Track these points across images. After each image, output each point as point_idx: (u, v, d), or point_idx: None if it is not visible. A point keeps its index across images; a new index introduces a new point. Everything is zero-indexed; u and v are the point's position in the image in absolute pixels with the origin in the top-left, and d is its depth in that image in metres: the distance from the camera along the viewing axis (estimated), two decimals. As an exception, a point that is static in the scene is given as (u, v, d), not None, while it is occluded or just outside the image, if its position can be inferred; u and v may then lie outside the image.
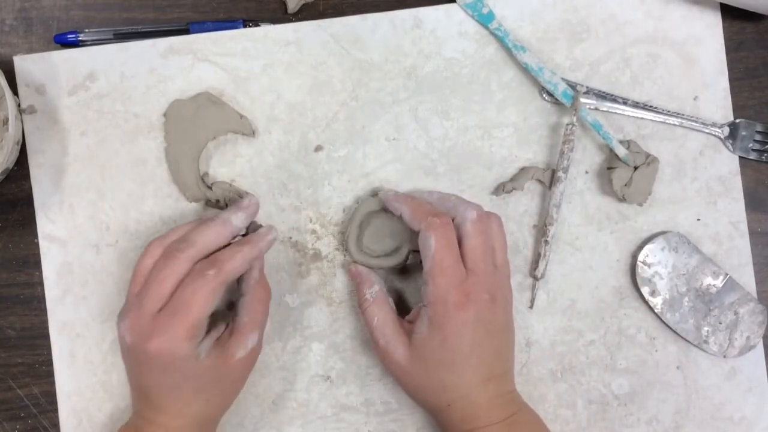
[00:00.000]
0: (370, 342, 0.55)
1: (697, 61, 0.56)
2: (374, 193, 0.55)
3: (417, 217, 0.49)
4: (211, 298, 0.45)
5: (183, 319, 0.44)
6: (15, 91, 0.55)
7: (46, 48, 0.56)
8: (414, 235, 0.51)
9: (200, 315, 0.44)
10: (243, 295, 0.49)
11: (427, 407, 0.50)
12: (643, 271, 0.55)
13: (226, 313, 0.51)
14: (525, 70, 0.55)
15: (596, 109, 0.55)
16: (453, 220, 0.49)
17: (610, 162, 0.55)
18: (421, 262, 0.50)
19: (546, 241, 0.54)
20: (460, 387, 0.47)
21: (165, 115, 0.54)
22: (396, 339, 0.49)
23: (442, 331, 0.47)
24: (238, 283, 0.50)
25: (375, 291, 0.51)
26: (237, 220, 0.49)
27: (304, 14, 0.56)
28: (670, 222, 0.56)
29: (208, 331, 0.47)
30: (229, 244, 0.48)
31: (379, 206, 0.53)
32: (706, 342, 0.55)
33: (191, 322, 0.44)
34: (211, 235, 0.47)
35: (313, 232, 0.55)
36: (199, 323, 0.45)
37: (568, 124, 0.54)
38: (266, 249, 0.49)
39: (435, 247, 0.47)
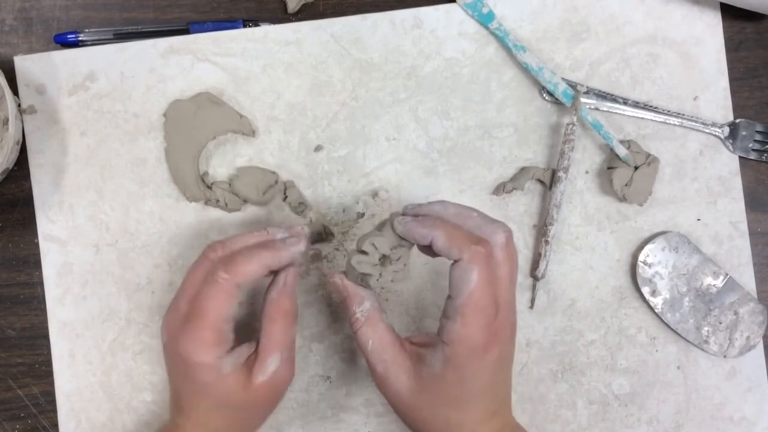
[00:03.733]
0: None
1: (697, 61, 0.56)
2: (381, 224, 0.47)
3: (456, 244, 0.42)
4: (227, 304, 0.43)
5: (201, 324, 0.43)
6: (15, 91, 0.55)
7: (46, 48, 0.56)
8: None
9: (216, 320, 0.43)
10: (262, 315, 0.46)
11: None
12: (643, 271, 0.55)
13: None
14: (525, 70, 0.55)
15: (596, 109, 0.55)
16: None
17: (611, 162, 0.55)
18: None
19: (546, 241, 0.54)
20: (466, 424, 0.44)
21: (165, 115, 0.54)
22: (397, 365, 0.44)
23: (459, 372, 0.42)
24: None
25: (366, 308, 0.45)
26: (279, 234, 0.47)
27: (304, 14, 0.56)
28: (670, 222, 0.56)
29: (239, 347, 0.45)
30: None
31: (396, 241, 0.45)
32: (706, 342, 0.55)
33: (208, 327, 0.43)
34: (246, 242, 0.46)
35: (313, 232, 0.55)
36: (216, 329, 0.43)
37: (568, 124, 0.54)
38: (287, 259, 0.45)
39: (476, 283, 0.41)
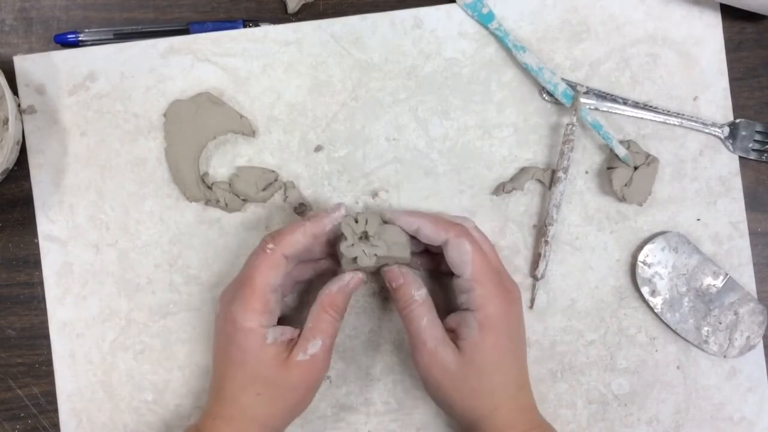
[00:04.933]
0: (383, 344, 0.55)
1: (697, 61, 0.56)
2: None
3: (441, 227, 0.48)
4: (273, 273, 0.46)
5: (250, 291, 0.46)
6: (15, 91, 0.55)
7: (46, 48, 0.56)
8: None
9: (263, 288, 0.46)
10: (315, 301, 0.49)
11: (469, 416, 0.48)
12: (643, 271, 0.55)
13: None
14: (525, 70, 0.55)
15: (596, 109, 0.55)
16: None
17: (610, 162, 0.55)
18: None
19: (546, 241, 0.54)
20: (509, 388, 0.48)
21: (165, 115, 0.54)
22: (446, 342, 0.48)
23: (493, 332, 0.47)
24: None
25: (424, 293, 0.49)
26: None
27: (304, 14, 0.56)
28: (670, 222, 0.56)
29: (284, 326, 0.48)
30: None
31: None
32: (706, 342, 0.55)
33: (256, 295, 0.46)
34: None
35: (313, 232, 0.55)
36: (263, 297, 0.46)
37: (568, 124, 0.54)
38: (329, 225, 0.48)
39: (472, 251, 0.47)
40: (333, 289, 0.49)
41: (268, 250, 0.47)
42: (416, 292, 0.49)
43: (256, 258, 0.47)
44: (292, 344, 0.48)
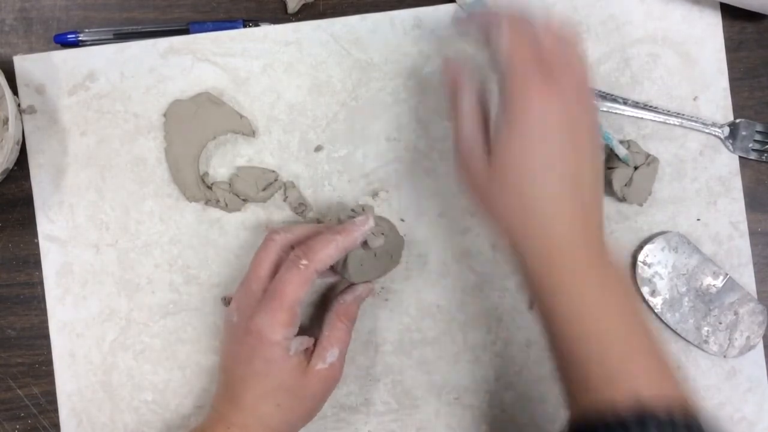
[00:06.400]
0: (382, 345, 0.55)
1: (697, 61, 0.56)
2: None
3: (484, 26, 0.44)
4: (304, 287, 0.46)
5: (279, 305, 0.46)
6: (15, 91, 0.55)
7: (46, 48, 0.56)
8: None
9: (293, 302, 0.46)
10: (330, 311, 0.50)
11: (511, 238, 0.43)
12: (643, 271, 0.55)
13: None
14: (525, 70, 0.55)
15: (596, 109, 0.55)
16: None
17: (610, 162, 0.55)
18: None
19: (546, 241, 0.54)
20: (541, 203, 0.41)
21: (165, 115, 0.54)
22: (480, 146, 0.44)
23: (523, 134, 0.41)
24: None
25: (473, 98, 0.45)
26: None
27: (304, 14, 0.56)
28: (670, 222, 0.56)
29: (301, 336, 0.48)
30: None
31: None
32: (706, 342, 0.55)
33: (285, 308, 0.46)
34: (307, 230, 0.50)
35: (313, 232, 0.55)
36: (291, 310, 0.46)
37: (568, 124, 0.54)
38: (360, 239, 0.48)
39: (507, 35, 0.42)
40: (347, 299, 0.51)
41: (301, 266, 0.46)
42: (465, 98, 0.45)
43: (288, 272, 0.46)
44: (308, 353, 0.49)
